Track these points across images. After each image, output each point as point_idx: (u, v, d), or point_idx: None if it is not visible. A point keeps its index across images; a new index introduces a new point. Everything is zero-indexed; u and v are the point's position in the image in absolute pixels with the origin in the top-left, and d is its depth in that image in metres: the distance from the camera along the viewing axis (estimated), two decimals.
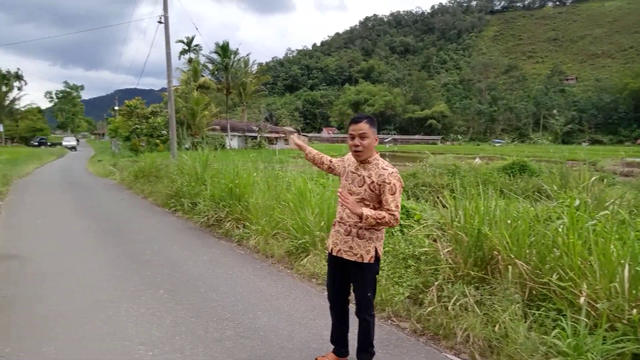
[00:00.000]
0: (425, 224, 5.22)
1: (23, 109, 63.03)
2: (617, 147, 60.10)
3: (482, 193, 4.36)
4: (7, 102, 58.40)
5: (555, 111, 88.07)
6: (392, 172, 2.83)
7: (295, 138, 3.52)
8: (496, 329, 3.37)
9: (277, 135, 57.85)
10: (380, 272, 4.62)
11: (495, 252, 3.92)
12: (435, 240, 4.77)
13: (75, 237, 7.19)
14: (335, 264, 3.06)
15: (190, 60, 49.50)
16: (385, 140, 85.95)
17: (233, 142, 48.54)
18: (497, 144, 77.43)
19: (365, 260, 2.90)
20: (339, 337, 3.21)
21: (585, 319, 3.06)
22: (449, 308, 3.69)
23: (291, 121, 58.98)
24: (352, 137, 2.90)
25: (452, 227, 4.29)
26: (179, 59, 53.20)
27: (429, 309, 3.84)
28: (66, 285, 4.82)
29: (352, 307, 3.18)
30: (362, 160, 2.95)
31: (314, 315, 4.11)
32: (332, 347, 3.27)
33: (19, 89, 60.78)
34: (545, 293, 3.49)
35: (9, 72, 59.21)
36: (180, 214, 9.21)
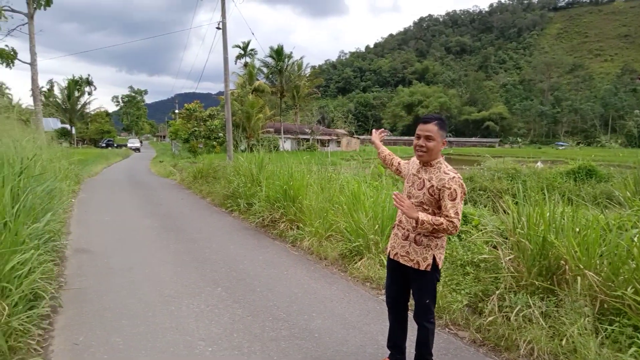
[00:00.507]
0: (484, 230, 5.04)
1: (92, 113, 67.25)
2: None
3: (547, 199, 4.14)
4: (79, 106, 62.55)
5: (637, 111, 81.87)
6: (454, 177, 2.72)
7: (375, 135, 3.62)
8: (563, 343, 3.18)
9: (329, 137, 58.12)
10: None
11: (562, 262, 3.70)
12: (495, 247, 4.59)
13: (140, 234, 7.57)
14: (394, 267, 3.02)
15: (245, 65, 50.82)
16: None
17: (286, 145, 49.32)
18: (560, 147, 73.53)
19: (422, 268, 2.82)
20: (396, 343, 3.16)
21: None
22: (512, 319, 3.53)
23: (344, 123, 58.85)
24: (418, 137, 2.83)
25: (514, 234, 4.10)
26: (235, 63, 54.84)
27: (490, 318, 3.69)
28: (132, 280, 5.09)
29: (411, 313, 3.12)
30: (425, 163, 2.87)
31: (369, 319, 4.07)
32: (387, 352, 3.22)
33: (89, 93, 64.96)
34: (619, 307, 3.26)
35: (81, 78, 63.46)
36: (236, 214, 9.46)
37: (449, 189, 2.70)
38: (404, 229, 2.92)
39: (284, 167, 8.76)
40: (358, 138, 60.62)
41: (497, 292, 3.83)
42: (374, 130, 3.65)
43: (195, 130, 34.85)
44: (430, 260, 2.81)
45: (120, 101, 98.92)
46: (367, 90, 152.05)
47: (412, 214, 2.66)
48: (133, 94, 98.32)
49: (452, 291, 4.25)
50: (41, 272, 4.04)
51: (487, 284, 4.10)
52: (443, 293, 4.22)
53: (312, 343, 3.59)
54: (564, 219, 3.91)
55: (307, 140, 52.20)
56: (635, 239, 3.53)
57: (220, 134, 34.58)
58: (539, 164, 21.96)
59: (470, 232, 5.25)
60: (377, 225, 5.65)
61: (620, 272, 3.44)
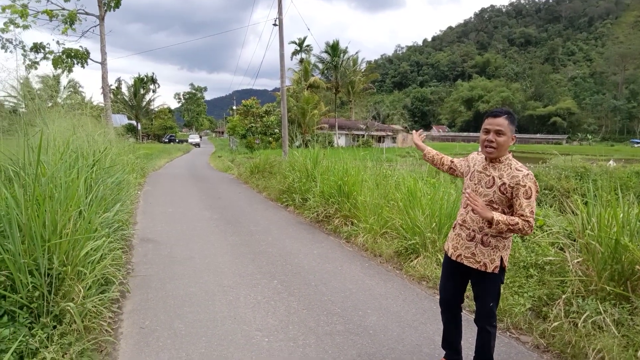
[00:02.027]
0: (549, 231, 4.79)
1: (156, 109, 70.69)
2: None
3: (621, 199, 3.86)
4: (144, 103, 65.98)
5: None
6: (528, 174, 2.59)
7: (416, 137, 3.45)
8: (639, 354, 2.96)
9: (384, 133, 57.52)
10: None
11: (638, 267, 3.44)
12: (562, 250, 4.35)
13: (200, 225, 7.89)
14: (453, 268, 2.92)
15: (301, 61, 51.41)
16: None
17: (341, 141, 49.36)
18: (636, 145, 68.28)
19: (489, 270, 2.72)
20: (451, 343, 3.09)
21: None
22: (579, 325, 3.33)
23: (399, 119, 57.88)
24: (487, 132, 2.70)
25: (583, 235, 3.86)
26: (291, 59, 55.50)
27: (555, 324, 3.51)
28: (194, 269, 5.31)
29: (468, 315, 3.03)
30: (493, 160, 2.74)
31: (425, 318, 4.00)
32: (443, 352, 3.15)
33: (154, 91, 68.23)
34: None
35: (146, 76, 66.86)
36: (291, 208, 9.60)
37: (524, 186, 2.58)
38: (468, 229, 2.80)
39: (338, 163, 8.78)
40: (424, 131, 59.30)
41: (564, 296, 3.63)
42: (413, 131, 3.52)
43: (252, 126, 35.71)
44: (497, 262, 2.71)
45: (182, 98, 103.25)
46: (424, 84, 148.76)
47: (486, 214, 2.55)
48: (193, 91, 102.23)
49: (514, 294, 4.08)
50: (111, 259, 4.32)
51: (552, 288, 3.90)
52: (504, 295, 4.05)
53: (367, 339, 3.58)
54: (638, 221, 3.63)
55: (362, 136, 51.96)
56: None
57: (276, 130, 35.24)
58: (611, 162, 20.54)
59: (534, 232, 5.01)
60: (434, 223, 5.53)
61: None
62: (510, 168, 2.68)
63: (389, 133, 58.52)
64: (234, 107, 59.41)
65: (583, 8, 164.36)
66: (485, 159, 2.80)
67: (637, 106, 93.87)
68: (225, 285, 4.75)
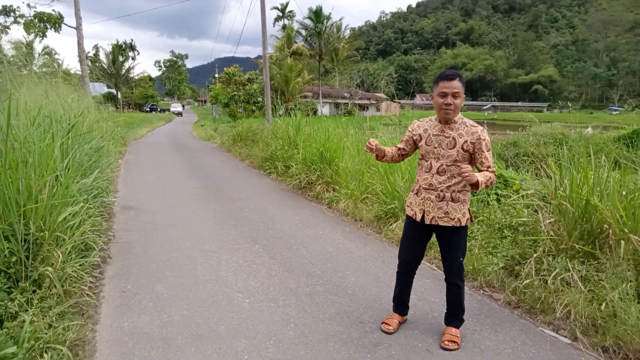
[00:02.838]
0: (524, 194, 4.91)
1: (136, 77, 68.83)
2: None
3: (592, 162, 3.96)
4: (123, 71, 64.11)
5: None
6: (483, 129, 2.79)
7: (373, 145, 3.01)
8: (602, 307, 3.11)
9: (368, 101, 57.20)
10: (473, 241, 4.51)
11: (606, 226, 3.56)
12: (536, 211, 4.47)
13: (182, 193, 7.86)
14: (419, 231, 3.02)
15: (284, 27, 50.29)
16: (484, 108, 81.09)
17: (324, 109, 48.97)
18: (614, 112, 69.29)
19: (463, 224, 2.85)
20: (404, 300, 3.25)
21: None
22: (549, 282, 3.47)
23: (386, 85, 57.13)
24: (444, 95, 2.77)
25: (556, 197, 3.98)
26: (273, 26, 54.26)
27: (526, 281, 3.65)
28: (175, 235, 5.33)
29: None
30: (448, 121, 2.84)
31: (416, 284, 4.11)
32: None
33: (133, 58, 66.20)
34: None
35: (125, 42, 64.74)
36: (274, 176, 9.61)
37: (484, 140, 2.78)
38: (436, 190, 2.87)
39: (320, 131, 8.76)
40: (398, 102, 59.27)
41: (535, 255, 3.76)
42: (368, 142, 3.03)
43: (235, 95, 35.13)
44: (468, 214, 2.88)
45: (162, 66, 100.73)
46: (409, 52, 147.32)
47: (474, 180, 2.64)
48: (174, 59, 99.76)
49: (489, 254, 4.21)
50: (91, 225, 4.31)
51: (524, 248, 4.03)
52: (479, 255, 4.19)
53: (346, 299, 3.68)
54: (609, 183, 3.74)
55: (346, 104, 51.60)
56: None
57: (259, 98, 34.72)
58: (589, 129, 20.84)
59: (510, 196, 5.13)
60: None
61: None
62: (467, 126, 2.82)
63: (373, 101, 58.19)
64: (216, 75, 58.17)
65: None
66: (440, 121, 2.88)
67: (616, 74, 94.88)
68: (207, 251, 4.79)
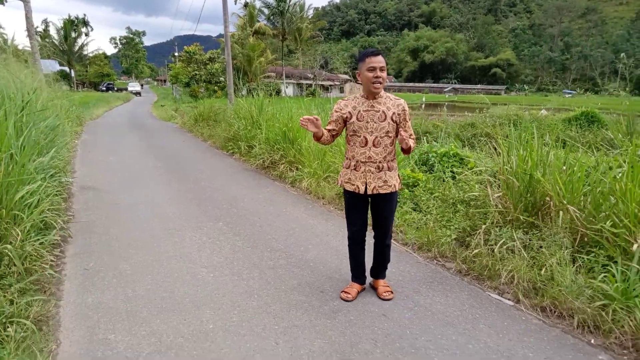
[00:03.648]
0: (477, 171, 5.19)
1: (91, 55, 65.86)
2: None
3: (536, 140, 4.24)
4: (76, 48, 61.11)
5: (622, 55, 79.96)
6: (404, 101, 3.13)
7: (313, 125, 3.05)
8: (542, 272, 3.40)
9: (332, 82, 57.15)
10: (429, 215, 4.75)
11: (548, 198, 3.86)
12: (487, 187, 4.75)
13: (144, 174, 7.77)
14: (364, 202, 3.23)
15: (246, 5, 49.16)
16: (445, 90, 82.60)
17: (288, 90, 48.62)
18: (567, 95, 72.17)
19: (397, 188, 3.18)
20: (362, 268, 3.46)
21: (637, 266, 3.03)
22: (496, 250, 3.74)
23: (342, 65, 56.60)
24: (373, 69, 2.98)
25: (503, 172, 4.24)
26: (235, 3, 52.78)
27: (475, 251, 3.90)
28: (138, 215, 5.32)
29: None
30: (375, 96, 3.08)
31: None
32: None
33: (86, 34, 63.22)
34: (597, 240, 3.45)
35: (77, 17, 61.59)
36: (237, 156, 9.61)
37: (407, 111, 3.11)
38: (375, 162, 3.09)
39: (284, 110, 8.80)
40: (359, 82, 59.18)
41: (484, 226, 4.03)
42: (312, 118, 3.07)
43: (196, 74, 34.33)
44: (399, 179, 3.22)
45: (119, 43, 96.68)
46: (372, 33, 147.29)
47: (409, 144, 2.99)
48: (131, 36, 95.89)
49: (443, 227, 4.46)
50: (50, 204, 4.26)
51: (475, 220, 4.30)
52: (433, 229, 4.43)
53: (307, 271, 3.83)
54: (550, 158, 4.03)
55: (310, 85, 51.38)
56: (618, 177, 3.67)
57: (222, 78, 34.07)
58: (543, 111, 21.76)
59: (465, 173, 5.40)
60: None
61: (601, 208, 3.61)
62: (391, 99, 3.10)
63: (337, 82, 58.19)
64: (176, 54, 56.40)
65: None
66: (367, 97, 3.09)
67: (570, 58, 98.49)
68: (171, 229, 4.83)
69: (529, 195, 3.97)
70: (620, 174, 3.66)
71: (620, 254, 3.22)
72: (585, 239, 3.59)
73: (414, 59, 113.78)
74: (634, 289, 2.90)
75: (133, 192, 6.44)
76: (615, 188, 3.56)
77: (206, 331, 2.84)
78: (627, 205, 3.35)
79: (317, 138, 3.17)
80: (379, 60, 2.98)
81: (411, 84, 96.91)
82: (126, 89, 60.72)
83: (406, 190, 5.43)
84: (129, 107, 33.11)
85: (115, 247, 4.27)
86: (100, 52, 68.64)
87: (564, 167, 3.98)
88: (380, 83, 3.00)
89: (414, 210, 5.09)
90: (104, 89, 59.26)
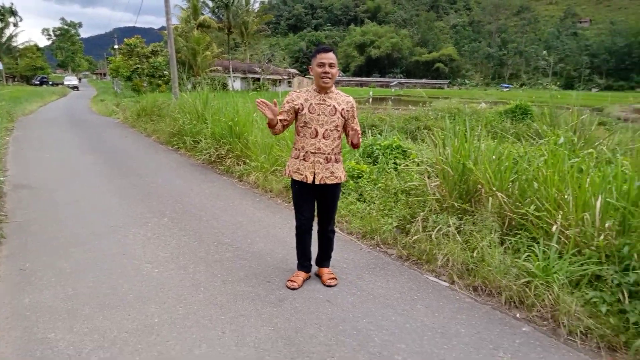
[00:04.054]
0: (418, 162, 5.43)
1: (21, 47, 61.66)
2: (627, 93, 58.97)
3: (469, 131, 4.51)
4: (4, 39, 57.00)
5: (545, 52, 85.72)
6: (352, 98, 3.30)
7: (272, 112, 3.11)
8: (474, 254, 3.65)
9: (280, 77, 56.86)
10: (372, 205, 4.93)
11: (479, 186, 4.14)
12: (429, 177, 4.99)
13: (83, 170, 7.47)
14: (311, 192, 3.33)
15: None
16: (391, 84, 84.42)
17: (235, 84, 47.86)
18: (505, 89, 75.91)
19: (343, 180, 3.34)
20: (309, 256, 3.57)
21: (555, 245, 3.33)
22: (433, 236, 3.97)
23: (281, 62, 55.70)
24: (322, 65, 3.13)
25: (439, 162, 4.49)
26: None
27: (415, 237, 4.11)
28: (78, 212, 5.14)
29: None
30: (327, 91, 3.23)
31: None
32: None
33: (15, 25, 59.13)
34: (523, 223, 3.75)
35: (3, 6, 57.44)
36: (182, 151, 9.44)
37: (354, 107, 3.28)
38: (324, 154, 3.22)
39: (229, 105, 8.73)
40: (310, 78, 59.58)
41: (422, 213, 4.25)
42: (263, 102, 3.13)
43: (138, 68, 33.02)
44: (344, 171, 3.38)
45: (52, 34, 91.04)
46: (319, 28, 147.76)
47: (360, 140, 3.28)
48: (66, 27, 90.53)
49: (385, 215, 4.65)
50: None
51: (415, 208, 4.51)
52: (376, 217, 4.61)
53: (254, 262, 3.89)
54: (481, 149, 4.31)
55: (258, 79, 50.83)
56: (541, 165, 3.99)
57: (166, 72, 32.97)
58: (482, 104, 22.86)
59: (406, 164, 5.63)
60: None
61: (526, 194, 3.92)
62: (341, 95, 3.27)
63: (285, 77, 57.98)
64: (116, 47, 53.90)
65: None
66: (319, 91, 3.22)
67: (506, 54, 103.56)
68: (114, 225, 4.71)
69: (462, 183, 4.22)
70: (542, 162, 3.98)
71: (542, 236, 3.52)
72: (513, 223, 3.88)
73: (361, 53, 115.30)
74: (553, 267, 3.19)
75: (72, 189, 6.20)
76: (537, 175, 3.87)
77: (151, 325, 2.84)
78: (547, 190, 3.67)
79: (272, 125, 3.21)
80: (328, 57, 3.13)
81: (358, 79, 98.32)
82: (62, 83, 57.37)
83: (351, 182, 5.59)
84: (66, 101, 31.43)
85: (54, 245, 4.12)
86: (32, 43, 64.44)
87: (494, 157, 4.27)
88: (330, 78, 3.14)
89: (359, 200, 5.26)
90: (37, 82, 55.71)
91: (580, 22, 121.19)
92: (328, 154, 3.22)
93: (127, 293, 3.25)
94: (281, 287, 3.42)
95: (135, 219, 4.96)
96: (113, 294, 3.23)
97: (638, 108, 31.50)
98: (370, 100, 30.20)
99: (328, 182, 3.24)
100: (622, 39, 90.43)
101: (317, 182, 3.23)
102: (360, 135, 3.27)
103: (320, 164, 3.22)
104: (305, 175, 3.25)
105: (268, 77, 52.77)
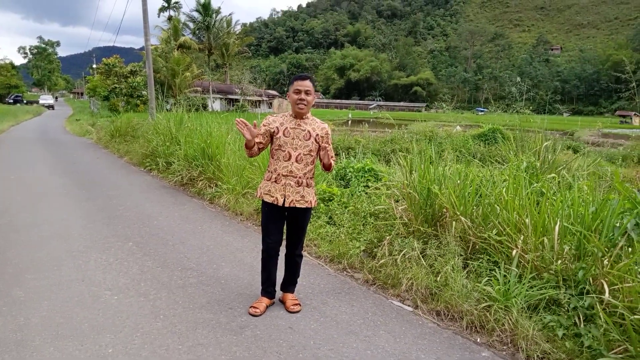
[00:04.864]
0: (385, 184, 5.48)
1: None
2: (596, 118, 61.16)
3: (434, 155, 4.60)
4: None
5: (518, 79, 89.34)
6: (327, 125, 3.33)
7: (250, 133, 3.15)
8: (438, 278, 3.67)
9: (260, 98, 57.10)
10: (342, 228, 4.93)
11: (444, 210, 4.19)
12: (397, 200, 5.03)
13: (50, 192, 7.29)
14: (280, 215, 3.33)
15: (170, 18, 48.02)
16: (370, 107, 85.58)
17: (215, 105, 47.85)
18: (480, 113, 77.69)
19: (313, 205, 3.33)
20: (273, 281, 3.54)
21: (515, 269, 3.38)
22: (398, 260, 3.98)
23: (252, 83, 55.48)
24: (298, 92, 3.20)
25: (405, 186, 4.54)
26: (159, 16, 51.72)
27: (382, 261, 4.12)
28: (39, 236, 4.99)
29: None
30: (302, 116, 3.27)
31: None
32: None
33: None
34: (485, 247, 3.80)
35: None
36: (155, 173, 9.32)
37: (329, 134, 3.31)
38: (295, 177, 3.24)
39: (203, 126, 8.71)
40: (286, 99, 59.63)
41: (389, 237, 4.27)
42: (242, 122, 3.17)
43: (116, 88, 32.74)
44: (315, 197, 3.39)
45: (29, 52, 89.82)
46: (300, 51, 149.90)
47: (332, 163, 3.26)
48: (43, 45, 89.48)
49: (353, 239, 4.65)
50: None
51: (382, 232, 4.53)
52: (344, 241, 4.60)
53: (218, 288, 3.82)
54: (447, 173, 4.39)
55: (238, 100, 50.92)
56: (504, 190, 4.08)
57: (144, 92, 32.77)
58: (457, 127, 23.33)
59: (377, 187, 5.67)
60: None
61: (489, 218, 3.98)
62: (316, 122, 3.32)
63: (265, 98, 58.28)
64: (94, 66, 53.43)
65: None
66: (295, 117, 3.28)
67: (482, 78, 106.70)
68: (75, 250, 4.58)
69: (428, 207, 4.27)
70: (505, 188, 4.06)
71: (504, 259, 3.57)
72: (476, 247, 3.93)
73: (341, 76, 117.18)
74: (513, 291, 3.22)
75: (36, 211, 6.04)
76: (499, 200, 3.95)
77: (104, 356, 2.75)
78: (508, 215, 3.74)
79: (249, 147, 3.23)
80: (304, 85, 3.21)
81: (338, 101, 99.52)
82: (37, 102, 56.37)
83: (322, 205, 5.59)
84: (40, 121, 30.87)
85: (9, 272, 3.98)
86: (7, 61, 63.43)
87: (459, 181, 4.34)
88: (305, 105, 3.20)
89: (328, 223, 5.25)
90: (11, 101, 54.68)
91: (552, 50, 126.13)
92: (300, 177, 3.24)
93: (82, 322, 3.14)
94: (243, 314, 3.36)
95: (99, 243, 4.84)
96: (67, 323, 3.12)
97: (606, 133, 32.71)
98: (350, 122, 30.50)
99: (298, 205, 3.25)
100: (591, 67, 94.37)
101: (286, 205, 3.24)
102: (331, 156, 3.27)
103: (291, 186, 3.24)
104: (276, 198, 3.26)
105: (248, 98, 52.97)
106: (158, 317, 3.28)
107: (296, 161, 3.23)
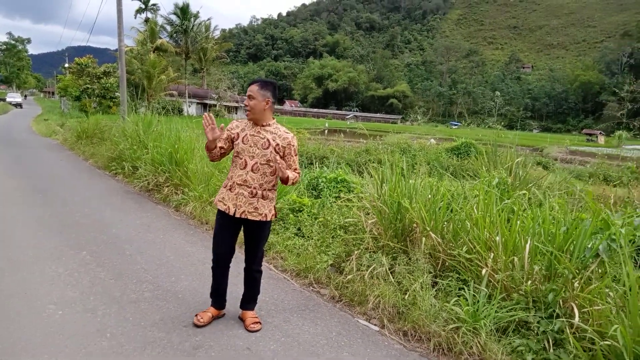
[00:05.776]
0: (357, 196, 5.33)
1: None
2: (564, 136, 63.17)
3: (405, 168, 4.48)
4: None
5: (498, 93, 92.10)
6: (293, 137, 3.11)
7: (212, 133, 3.04)
8: (406, 296, 3.52)
9: (237, 104, 56.57)
10: (310, 241, 4.75)
11: (415, 225, 4.06)
12: (368, 214, 4.89)
13: (1, 196, 6.86)
14: (231, 224, 3.15)
15: (146, 20, 47.22)
16: (347, 117, 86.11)
17: (191, 109, 47.16)
18: (454, 127, 79.27)
19: (269, 218, 3.13)
20: (222, 292, 3.35)
21: (485, 289, 3.26)
22: (365, 276, 3.82)
23: (229, 87, 55.19)
24: (248, 97, 3.06)
25: (375, 199, 4.40)
26: (135, 17, 50.68)
27: (349, 276, 3.95)
28: None
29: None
30: (263, 124, 3.09)
31: (238, 280, 4.13)
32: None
33: None
34: (454, 265, 3.68)
35: None
36: (120, 177, 8.95)
37: (293, 146, 3.11)
38: (249, 187, 3.06)
39: (172, 131, 8.42)
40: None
41: (357, 252, 4.11)
42: (210, 119, 3.07)
43: (88, 88, 31.84)
44: (274, 211, 3.17)
45: None
46: (279, 59, 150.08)
47: (286, 174, 2.95)
48: (12, 42, 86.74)
49: (321, 252, 4.47)
50: None
51: (351, 246, 4.37)
52: (312, 254, 4.42)
53: (174, 303, 3.58)
54: (418, 187, 4.27)
55: (214, 105, 50.30)
56: (475, 207, 3.98)
57: (117, 94, 31.94)
58: (431, 140, 23.59)
59: (348, 198, 5.52)
60: None
61: (459, 235, 3.87)
62: (280, 131, 3.11)
63: (242, 104, 57.75)
64: (67, 65, 51.96)
65: (419, 1, 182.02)
66: (256, 124, 3.10)
67: (456, 93, 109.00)
68: (19, 261, 4.24)
69: (398, 222, 4.14)
70: (474, 203, 3.97)
71: (473, 278, 3.46)
72: (446, 264, 3.81)
73: (319, 86, 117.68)
74: (482, 312, 3.10)
75: None
76: (469, 216, 3.85)
77: None
78: (479, 232, 3.64)
79: (209, 149, 3.12)
80: (250, 89, 3.07)
81: (316, 110, 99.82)
82: (4, 100, 54.39)
83: (291, 216, 5.40)
84: (5, 119, 29.69)
85: None
86: None
87: (430, 196, 4.23)
88: (249, 110, 3.07)
89: (297, 235, 5.06)
90: None
91: (524, 68, 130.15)
92: (254, 188, 3.05)
93: (17, 341, 2.86)
94: (198, 333, 3.13)
95: (48, 253, 4.51)
96: (0, 343, 2.82)
97: (574, 150, 33.73)
98: (326, 131, 30.48)
99: (250, 217, 3.07)
100: (560, 85, 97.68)
101: (237, 215, 3.07)
102: (293, 173, 3.07)
103: (244, 197, 3.06)
104: (228, 207, 3.10)
105: (225, 104, 52.41)
106: (104, 335, 3.02)
107: (252, 170, 3.05)
